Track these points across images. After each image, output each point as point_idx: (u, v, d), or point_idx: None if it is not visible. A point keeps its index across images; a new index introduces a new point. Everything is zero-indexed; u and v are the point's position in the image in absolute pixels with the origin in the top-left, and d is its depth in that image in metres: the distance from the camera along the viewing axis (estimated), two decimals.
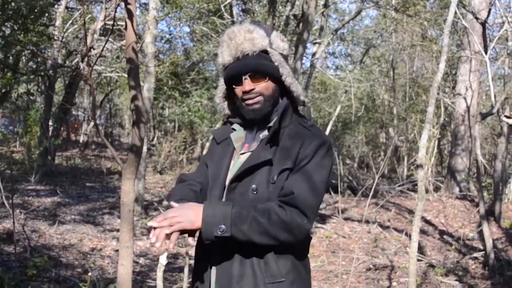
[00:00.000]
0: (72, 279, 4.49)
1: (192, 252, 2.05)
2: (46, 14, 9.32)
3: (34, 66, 11.15)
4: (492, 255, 5.36)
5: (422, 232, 6.48)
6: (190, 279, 1.82)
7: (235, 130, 1.74)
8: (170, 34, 14.23)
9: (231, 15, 9.48)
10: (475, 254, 5.78)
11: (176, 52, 14.45)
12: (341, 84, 11.83)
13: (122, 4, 2.28)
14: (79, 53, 11.26)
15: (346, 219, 7.48)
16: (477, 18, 6.85)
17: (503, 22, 5.63)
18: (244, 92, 1.63)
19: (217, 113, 11.92)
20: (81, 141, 19.70)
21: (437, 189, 9.27)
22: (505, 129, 6.62)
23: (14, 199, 5.34)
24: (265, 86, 1.64)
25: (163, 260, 2.99)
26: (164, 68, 12.46)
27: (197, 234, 1.57)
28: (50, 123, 11.81)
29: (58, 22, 10.25)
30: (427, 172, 8.97)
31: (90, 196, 8.93)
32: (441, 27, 10.07)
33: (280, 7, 9.00)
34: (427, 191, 8.18)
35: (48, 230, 6.16)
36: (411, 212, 7.50)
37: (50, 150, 10.93)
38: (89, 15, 10.73)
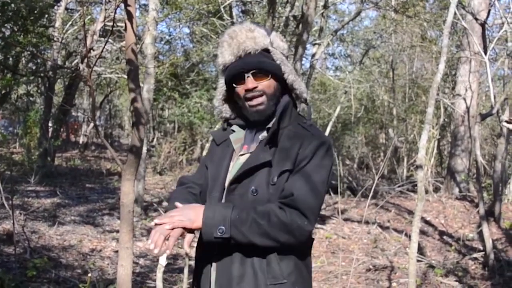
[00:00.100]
0: (72, 280, 4.49)
1: (192, 253, 2.05)
2: (46, 15, 9.32)
3: (33, 67, 11.14)
4: (492, 256, 5.36)
5: (422, 232, 6.48)
6: (190, 280, 1.82)
7: (234, 131, 1.74)
8: (169, 35, 14.22)
9: (231, 16, 9.49)
10: (475, 255, 5.78)
11: (176, 53, 14.44)
12: (341, 85, 11.83)
13: (122, 5, 2.29)
14: (79, 54, 11.25)
15: (345, 219, 7.48)
16: (476, 19, 6.86)
17: (503, 23, 5.63)
18: (247, 91, 1.63)
19: None
20: (80, 142, 19.69)
21: (436, 189, 9.27)
22: (505, 130, 6.63)
23: (14, 200, 5.34)
24: (267, 84, 1.63)
25: (162, 261, 3.00)
26: (164, 69, 12.45)
27: (197, 234, 1.58)
28: (50, 124, 11.81)
29: (58, 23, 10.25)
30: (427, 173, 8.97)
31: (90, 197, 8.92)
32: (441, 28, 10.07)
33: (280, 8, 9.00)
34: (426, 191, 8.18)
35: (48, 231, 6.16)
36: (410, 212, 7.50)
37: (50, 151, 10.92)
38: (89, 16, 10.73)
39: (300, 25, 6.34)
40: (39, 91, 15.08)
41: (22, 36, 8.11)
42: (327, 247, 6.40)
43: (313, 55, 8.58)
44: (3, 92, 10.02)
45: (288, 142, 1.60)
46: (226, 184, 1.63)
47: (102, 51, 2.70)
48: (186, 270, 3.59)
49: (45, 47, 10.00)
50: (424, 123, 3.88)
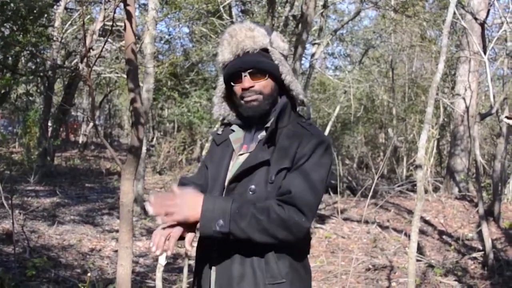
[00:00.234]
0: (72, 280, 4.49)
1: (192, 252, 2.05)
2: (45, 15, 9.33)
3: (33, 67, 11.14)
4: (491, 255, 5.36)
5: (421, 232, 6.49)
6: (190, 280, 1.82)
7: (234, 131, 1.74)
8: (169, 35, 14.22)
9: (230, 16, 9.48)
10: (474, 254, 5.79)
11: (175, 53, 14.44)
12: (340, 84, 11.83)
13: (121, 5, 2.29)
14: (78, 54, 11.25)
15: (345, 219, 7.48)
16: (476, 19, 6.86)
17: (502, 23, 5.63)
18: (244, 90, 1.63)
19: None
20: (80, 141, 19.70)
21: (436, 189, 9.27)
22: (504, 129, 6.63)
23: (13, 200, 5.33)
24: (264, 84, 1.64)
25: (162, 260, 3.00)
26: (163, 68, 12.45)
27: (198, 234, 1.57)
28: (49, 124, 11.81)
29: (57, 23, 10.25)
30: (426, 173, 8.97)
31: (89, 196, 8.92)
32: (440, 27, 10.07)
33: (279, 8, 9.00)
34: (426, 191, 8.18)
35: (47, 230, 6.16)
36: (410, 212, 7.50)
37: (49, 150, 10.92)
38: (88, 16, 10.74)
39: (300, 25, 6.34)
40: (38, 90, 15.09)
41: (21, 35, 8.11)
42: (326, 246, 6.41)
43: (313, 55, 8.59)
44: (2, 91, 10.03)
45: (287, 140, 1.60)
46: (226, 183, 1.64)
47: (101, 50, 2.70)
48: (185, 270, 3.59)
49: (44, 47, 10.00)
50: (423, 122, 3.88)
